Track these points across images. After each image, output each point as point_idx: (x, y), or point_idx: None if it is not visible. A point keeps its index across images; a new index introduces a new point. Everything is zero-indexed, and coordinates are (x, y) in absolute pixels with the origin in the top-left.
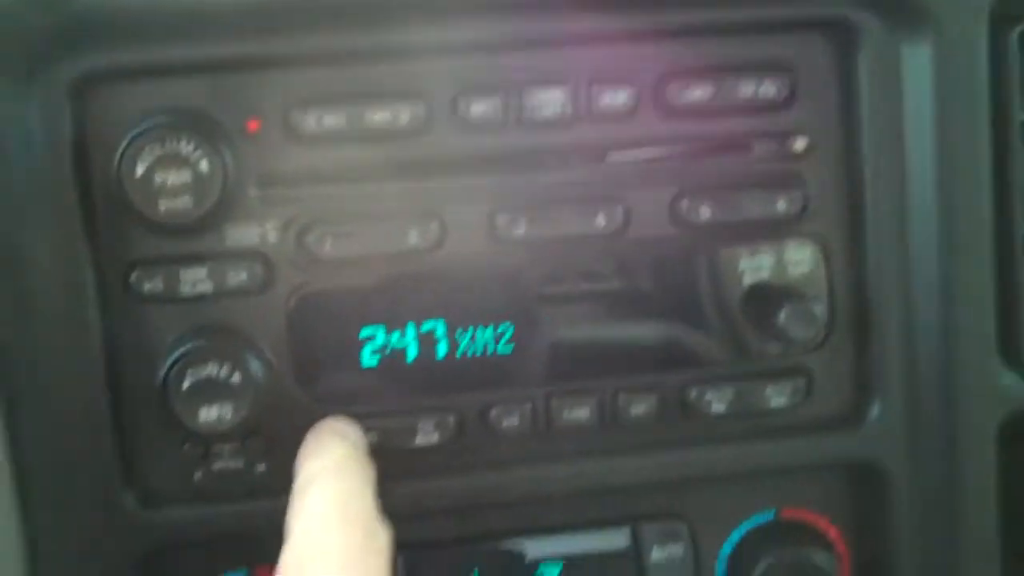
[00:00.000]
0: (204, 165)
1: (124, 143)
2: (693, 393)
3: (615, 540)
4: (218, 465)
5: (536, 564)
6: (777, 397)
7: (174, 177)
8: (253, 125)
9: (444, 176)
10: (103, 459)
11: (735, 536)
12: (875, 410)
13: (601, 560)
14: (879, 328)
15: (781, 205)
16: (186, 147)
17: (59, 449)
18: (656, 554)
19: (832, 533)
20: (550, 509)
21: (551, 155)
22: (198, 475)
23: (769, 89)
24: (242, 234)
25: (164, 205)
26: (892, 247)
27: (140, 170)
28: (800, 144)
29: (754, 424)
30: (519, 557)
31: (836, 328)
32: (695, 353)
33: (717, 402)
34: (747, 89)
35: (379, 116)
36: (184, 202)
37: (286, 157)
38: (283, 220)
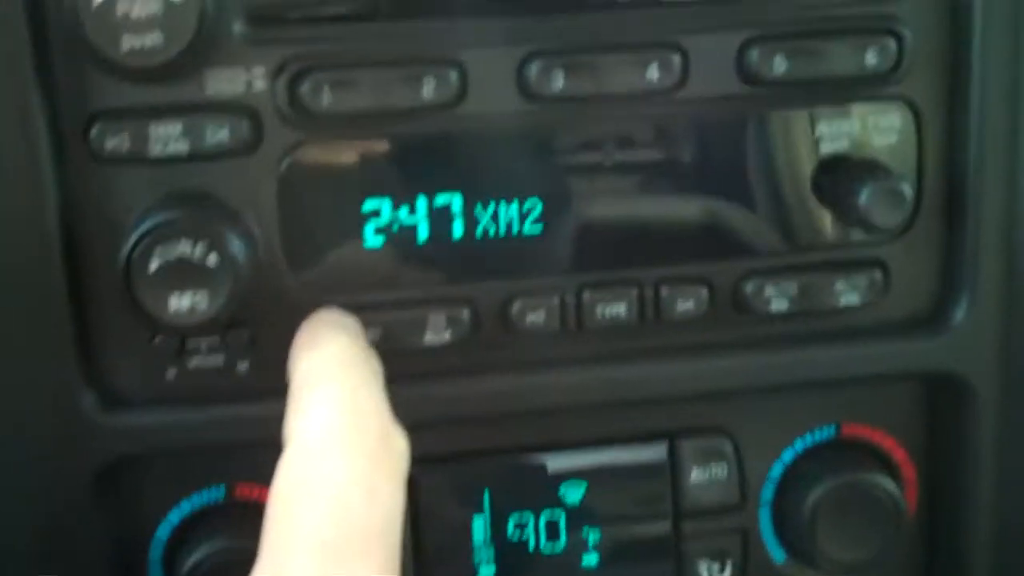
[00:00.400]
0: None
1: None
2: (750, 287)
3: (649, 457)
4: (194, 362)
5: (557, 483)
6: (848, 294)
7: (140, 7)
8: None
9: (466, 14)
10: (58, 353)
11: (787, 456)
12: (961, 312)
13: (632, 479)
14: (975, 214)
15: (870, 58)
16: None
17: (5, 340)
18: (696, 475)
19: (899, 455)
20: (575, 421)
21: None
22: (171, 373)
23: None
24: (224, 81)
25: (128, 43)
26: (1001, 116)
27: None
28: None
29: (819, 326)
30: (537, 474)
31: (923, 212)
32: (753, 239)
33: (777, 298)
34: None
35: None
36: (153, 39)
37: None
38: (274, 64)
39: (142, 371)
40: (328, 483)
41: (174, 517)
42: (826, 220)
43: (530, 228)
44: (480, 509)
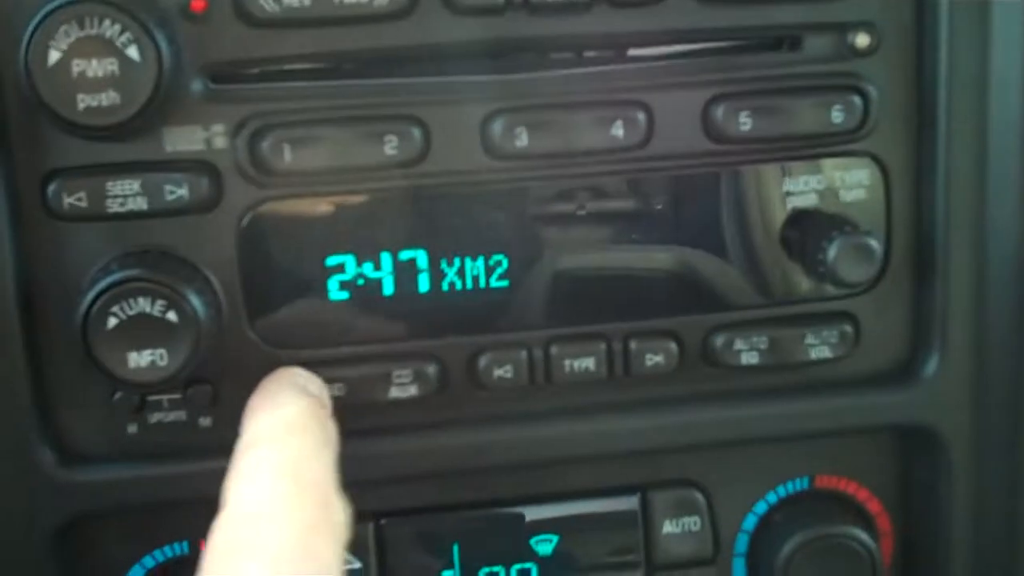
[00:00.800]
0: (134, 52)
1: (32, 24)
2: (719, 340)
3: (620, 509)
4: (155, 418)
5: (528, 536)
6: (818, 347)
7: (96, 67)
8: (197, 5)
9: (429, 71)
10: (15, 409)
11: (760, 508)
12: (932, 365)
13: (603, 532)
14: (944, 268)
15: (836, 115)
16: (111, 29)
17: None
18: (668, 527)
19: (873, 507)
20: (545, 474)
21: (561, 48)
22: (131, 429)
23: None
24: (183, 138)
25: (84, 102)
26: (967, 171)
27: (53, 57)
28: (862, 40)
29: (790, 379)
30: (508, 528)
31: (892, 266)
32: (723, 293)
33: (748, 352)
34: None
35: None
36: (109, 98)
37: (237, 44)
38: (233, 122)
39: (101, 427)
40: (263, 546)
41: (136, 574)
42: (795, 274)
43: (496, 283)
44: (450, 564)
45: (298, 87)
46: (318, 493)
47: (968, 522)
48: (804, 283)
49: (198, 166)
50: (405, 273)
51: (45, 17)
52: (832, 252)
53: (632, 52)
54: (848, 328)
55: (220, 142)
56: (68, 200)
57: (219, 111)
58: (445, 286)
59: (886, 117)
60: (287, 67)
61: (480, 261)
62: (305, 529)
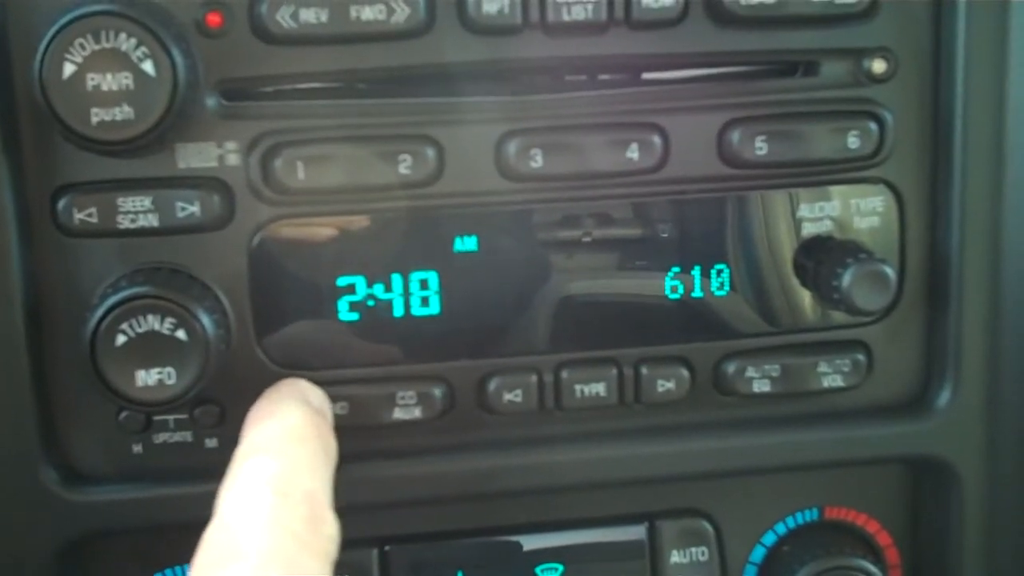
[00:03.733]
0: (149, 67)
1: (48, 36)
2: (731, 368)
3: (627, 538)
4: (161, 438)
5: (533, 565)
6: (831, 376)
7: (110, 81)
8: (214, 20)
9: (445, 90)
10: (19, 427)
11: (768, 539)
12: (945, 396)
13: (610, 562)
14: (958, 298)
15: (852, 141)
16: (127, 43)
17: None
18: (676, 557)
19: (882, 539)
20: (552, 501)
21: (577, 69)
22: (136, 449)
23: None
24: (196, 155)
25: (98, 116)
26: (984, 199)
27: (67, 71)
28: (878, 65)
29: (801, 408)
30: (512, 556)
31: (906, 295)
32: (735, 320)
33: (759, 380)
34: None
35: (368, 12)
36: (123, 113)
37: (253, 61)
38: (247, 139)
39: (106, 446)
40: (248, 558)
41: None
42: (808, 301)
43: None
44: None
45: (313, 105)
46: (309, 506)
47: (979, 556)
48: (817, 310)
49: (210, 183)
50: (416, 295)
51: (61, 29)
52: (847, 279)
53: (647, 75)
54: (861, 357)
55: (233, 159)
56: (78, 216)
57: (233, 128)
58: (455, 309)
59: (901, 143)
60: (302, 85)
61: (491, 283)
62: (292, 542)
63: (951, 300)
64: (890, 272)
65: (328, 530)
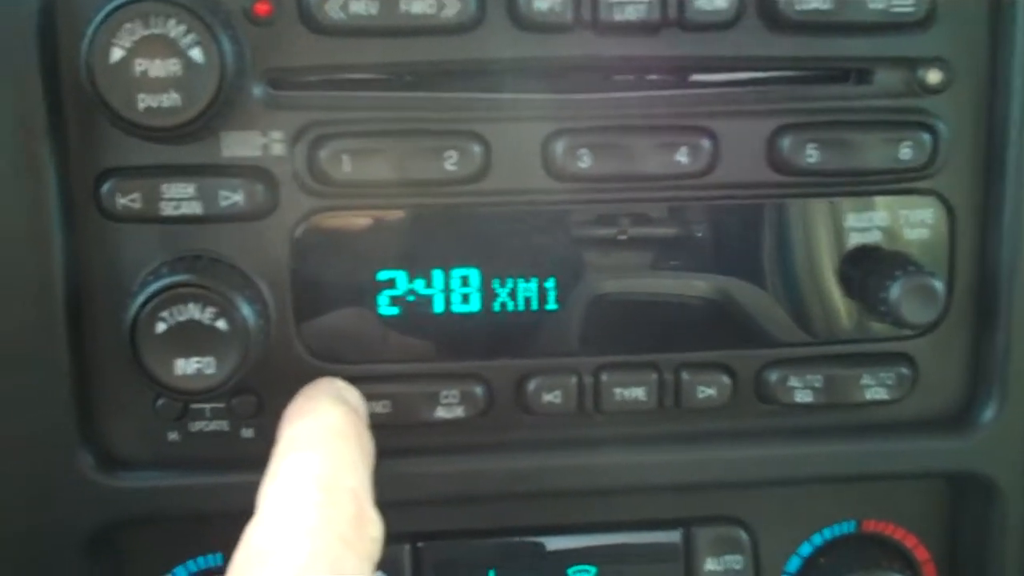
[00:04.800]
0: (197, 54)
1: (96, 20)
2: (774, 376)
3: (662, 544)
4: (197, 426)
5: (565, 566)
6: (874, 388)
7: (159, 67)
8: (262, 8)
9: (493, 87)
10: (58, 410)
11: (804, 549)
12: (990, 412)
13: (644, 567)
14: (1007, 312)
15: (904, 152)
16: (176, 29)
17: (5, 395)
18: (710, 564)
19: (920, 554)
20: (587, 503)
21: (627, 69)
22: (172, 436)
23: (904, 2)
24: (241, 144)
25: (145, 102)
26: None
27: (115, 56)
28: (934, 76)
29: (842, 419)
30: (544, 557)
31: (953, 309)
32: (778, 328)
33: (802, 390)
34: (877, 1)
35: (418, 5)
36: (170, 99)
37: (301, 50)
38: (293, 130)
39: (143, 433)
40: (292, 558)
41: None
42: (853, 312)
43: (549, 306)
44: None
45: (360, 97)
46: (354, 505)
47: (1019, 574)
48: (862, 322)
49: (255, 172)
50: (457, 292)
51: (109, 14)
52: (895, 292)
53: (696, 77)
54: (905, 370)
55: (278, 149)
56: (122, 201)
57: (279, 118)
58: (496, 306)
59: (954, 155)
60: (349, 76)
61: (533, 283)
62: (338, 544)
63: (999, 315)
64: (939, 286)
65: (373, 531)
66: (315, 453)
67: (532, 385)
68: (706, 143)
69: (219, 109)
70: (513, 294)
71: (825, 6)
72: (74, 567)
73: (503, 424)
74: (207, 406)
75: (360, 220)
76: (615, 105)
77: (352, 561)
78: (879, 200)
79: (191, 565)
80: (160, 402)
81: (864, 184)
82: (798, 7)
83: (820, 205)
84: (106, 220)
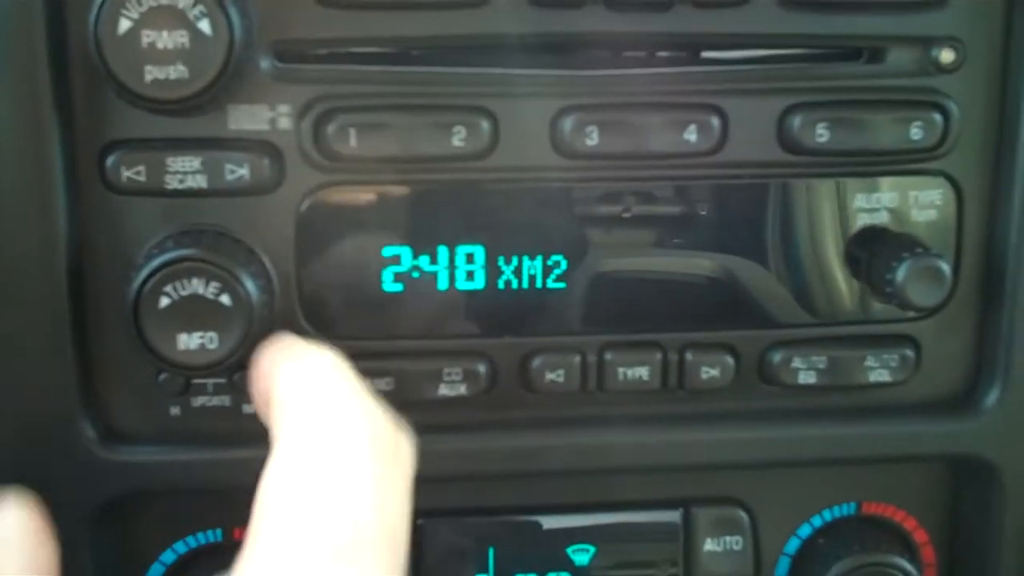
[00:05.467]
0: (205, 25)
1: None
2: (777, 357)
3: (661, 523)
4: (199, 401)
5: (565, 545)
6: (878, 370)
7: (166, 39)
8: None
9: (502, 62)
10: (60, 382)
11: (804, 531)
12: (993, 396)
13: (643, 546)
14: (1013, 296)
15: (915, 132)
16: (184, 0)
17: (7, 367)
18: (709, 545)
19: (919, 537)
20: (587, 482)
21: (637, 46)
22: (174, 411)
23: None
24: (248, 117)
25: (152, 74)
26: None
27: (123, 27)
28: (946, 55)
29: (845, 401)
30: (545, 537)
31: (959, 291)
32: (783, 308)
33: (806, 371)
34: None
35: None
36: (177, 71)
37: (309, 23)
38: (300, 103)
39: (145, 407)
40: (341, 483)
41: (167, 558)
42: (858, 293)
43: (553, 284)
44: (484, 568)
45: (368, 71)
46: (388, 425)
47: (1018, 558)
48: (867, 303)
49: (261, 146)
50: (461, 269)
51: None
52: (901, 273)
53: (707, 55)
54: (909, 352)
55: (285, 123)
56: (127, 173)
57: (286, 91)
58: (501, 284)
59: (964, 136)
60: (357, 50)
61: (538, 261)
62: (381, 463)
63: (1005, 299)
64: (946, 268)
65: (406, 447)
66: (338, 380)
67: (536, 363)
68: (715, 121)
69: (226, 82)
70: (518, 272)
71: None
72: (75, 540)
73: (506, 402)
74: (209, 381)
75: (366, 195)
76: (625, 82)
77: (394, 479)
78: (887, 181)
79: (190, 540)
80: (162, 376)
81: (873, 164)
82: None
83: (828, 185)
84: (110, 193)
